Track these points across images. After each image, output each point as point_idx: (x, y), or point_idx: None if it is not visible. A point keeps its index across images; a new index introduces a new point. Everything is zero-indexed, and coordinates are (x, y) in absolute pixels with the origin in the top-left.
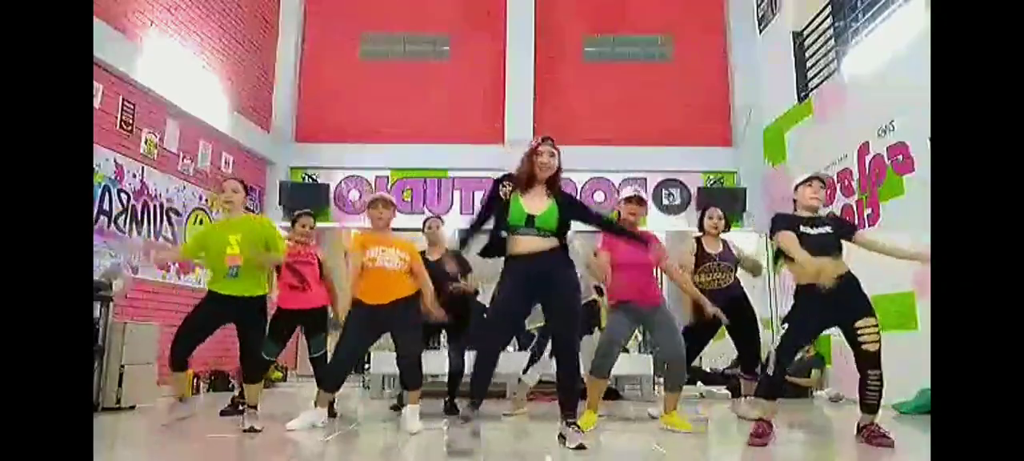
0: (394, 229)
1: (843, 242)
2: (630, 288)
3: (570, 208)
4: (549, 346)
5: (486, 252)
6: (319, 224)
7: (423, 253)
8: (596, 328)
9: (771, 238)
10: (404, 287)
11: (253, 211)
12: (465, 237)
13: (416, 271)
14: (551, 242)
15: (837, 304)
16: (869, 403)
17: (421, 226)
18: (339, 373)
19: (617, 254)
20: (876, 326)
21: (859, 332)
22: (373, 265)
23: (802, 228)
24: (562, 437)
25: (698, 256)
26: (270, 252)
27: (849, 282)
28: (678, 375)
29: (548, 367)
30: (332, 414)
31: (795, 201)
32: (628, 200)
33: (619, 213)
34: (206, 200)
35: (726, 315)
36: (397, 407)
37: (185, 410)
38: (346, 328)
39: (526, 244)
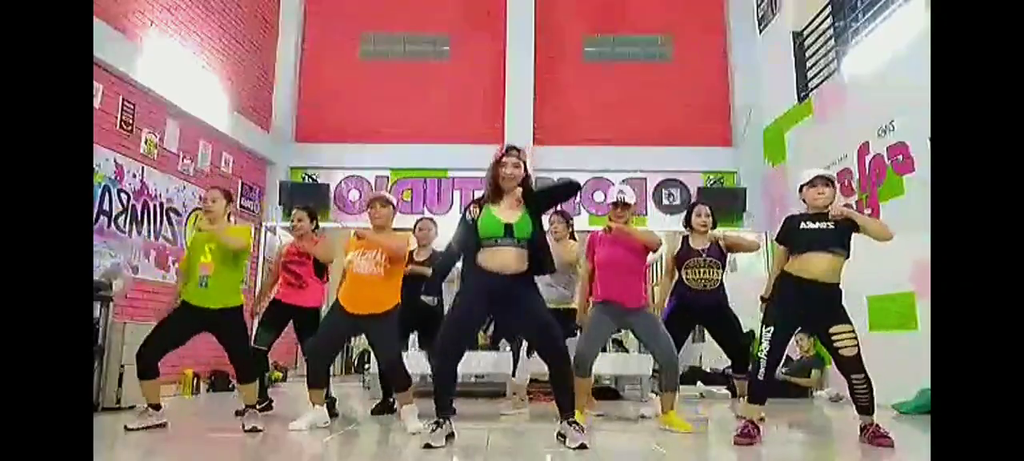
0: (396, 229)
1: (851, 240)
2: (614, 287)
3: (537, 202)
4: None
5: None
6: (320, 223)
7: (411, 253)
8: (578, 331)
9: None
10: (379, 299)
11: (253, 210)
12: (440, 281)
13: (394, 258)
14: (525, 257)
15: (813, 309)
16: (862, 405)
17: (412, 226)
18: (317, 366)
19: (600, 254)
20: (851, 332)
21: (834, 338)
22: (350, 269)
23: (802, 225)
24: (562, 436)
25: (684, 252)
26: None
27: (830, 292)
28: (672, 376)
29: (540, 364)
30: (333, 413)
31: (804, 201)
32: (613, 205)
33: (610, 220)
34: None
35: (706, 320)
36: (378, 411)
37: (156, 417)
38: (322, 323)
39: (502, 258)
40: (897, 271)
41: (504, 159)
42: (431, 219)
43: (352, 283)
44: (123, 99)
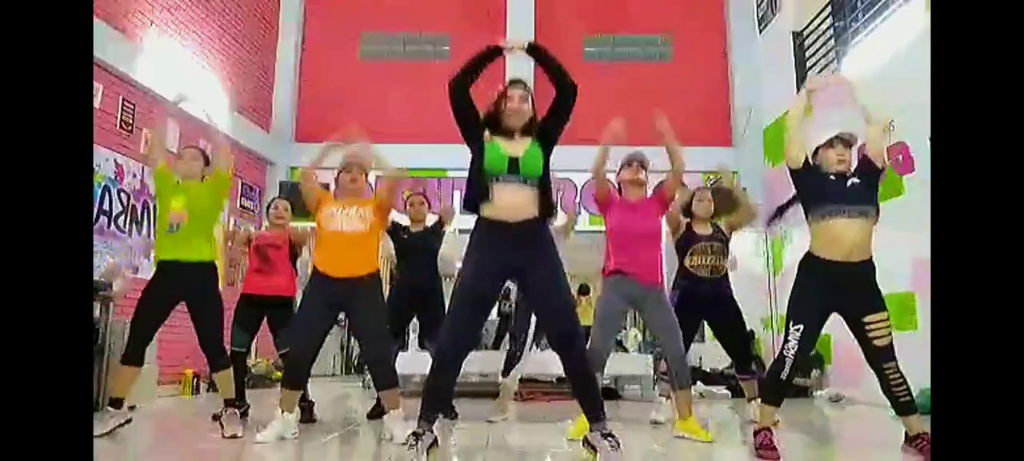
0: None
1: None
2: (628, 257)
3: (546, 125)
4: (529, 339)
5: (469, 205)
6: None
7: (407, 227)
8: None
9: (793, 177)
10: (363, 260)
11: (252, 209)
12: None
13: (386, 195)
14: (535, 198)
15: (846, 292)
16: (903, 402)
17: (404, 204)
18: (299, 365)
19: (615, 222)
20: (887, 320)
21: (868, 327)
22: (330, 225)
23: (829, 178)
24: (592, 447)
25: (688, 238)
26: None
27: (865, 270)
28: (682, 371)
29: (535, 364)
30: (310, 419)
31: (817, 167)
32: (628, 163)
33: (620, 186)
34: None
35: (711, 313)
36: (374, 415)
37: (121, 416)
38: (301, 306)
39: (508, 199)
40: (897, 271)
41: (511, 92)
42: (421, 193)
43: (331, 244)
44: (123, 99)
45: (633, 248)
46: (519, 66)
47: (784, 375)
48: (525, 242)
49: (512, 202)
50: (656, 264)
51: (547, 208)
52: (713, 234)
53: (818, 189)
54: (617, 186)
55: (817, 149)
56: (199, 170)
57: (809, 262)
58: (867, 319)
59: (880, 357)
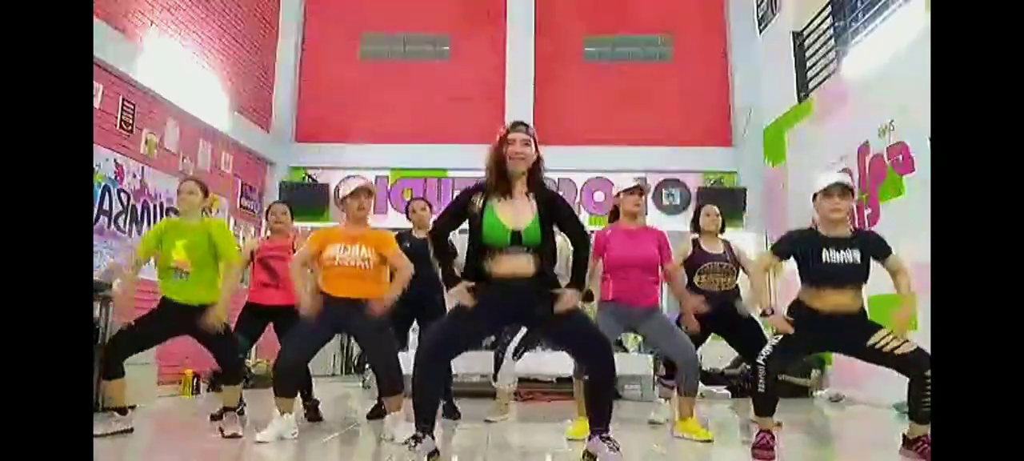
0: (394, 229)
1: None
2: (626, 288)
3: (554, 210)
4: (513, 342)
5: (468, 275)
6: (319, 224)
7: (410, 232)
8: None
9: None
10: (366, 288)
11: (252, 210)
12: (439, 256)
13: (392, 262)
14: (538, 261)
15: (839, 332)
16: (924, 411)
17: (405, 210)
18: (289, 374)
19: (613, 254)
20: (890, 331)
21: (879, 345)
22: (333, 264)
23: (824, 254)
24: (591, 456)
25: (696, 256)
26: (226, 267)
27: (856, 315)
28: (691, 378)
29: (524, 365)
30: (316, 417)
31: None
32: (629, 191)
33: (618, 208)
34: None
35: (724, 327)
36: (374, 415)
37: (123, 423)
38: (299, 321)
39: (510, 266)
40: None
41: (511, 136)
42: (424, 199)
43: (335, 274)
44: (123, 99)
45: (632, 277)
46: (519, 64)
47: (761, 387)
48: (529, 299)
49: (513, 269)
50: (654, 289)
51: (550, 260)
52: (722, 252)
53: (814, 264)
54: (615, 209)
55: (814, 195)
56: (198, 203)
57: (797, 306)
58: (873, 340)
59: (916, 362)
